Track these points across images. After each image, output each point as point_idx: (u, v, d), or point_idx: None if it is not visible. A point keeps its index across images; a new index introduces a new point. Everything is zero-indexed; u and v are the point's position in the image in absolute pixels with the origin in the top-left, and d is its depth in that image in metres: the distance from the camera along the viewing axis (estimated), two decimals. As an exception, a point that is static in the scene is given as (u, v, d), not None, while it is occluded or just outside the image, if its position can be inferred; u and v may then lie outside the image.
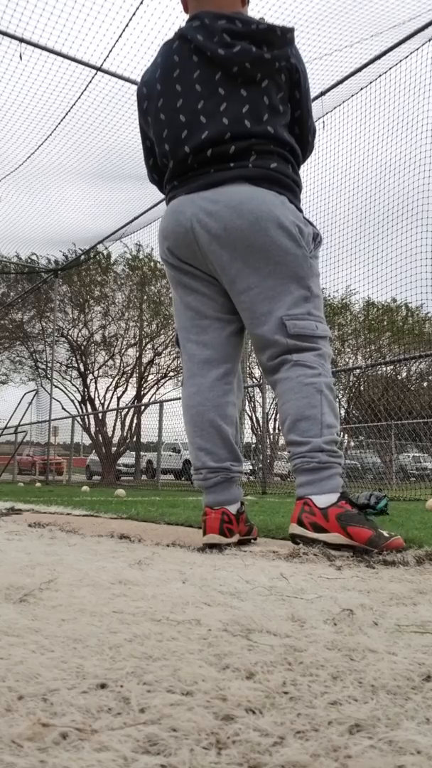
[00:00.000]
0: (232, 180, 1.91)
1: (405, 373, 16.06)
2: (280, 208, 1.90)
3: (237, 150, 1.93)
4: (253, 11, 6.98)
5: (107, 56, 7.16)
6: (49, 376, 15.82)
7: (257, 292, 1.91)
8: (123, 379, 17.68)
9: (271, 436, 14.50)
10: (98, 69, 7.36)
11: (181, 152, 1.99)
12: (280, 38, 1.92)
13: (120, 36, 6.80)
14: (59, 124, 8.41)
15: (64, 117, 8.28)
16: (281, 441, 16.03)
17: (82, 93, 7.79)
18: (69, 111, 8.15)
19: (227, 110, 1.93)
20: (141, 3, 6.41)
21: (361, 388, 14.61)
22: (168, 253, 2.06)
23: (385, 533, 1.68)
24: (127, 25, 6.67)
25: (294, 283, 1.91)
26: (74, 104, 8.01)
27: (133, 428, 16.66)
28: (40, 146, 8.88)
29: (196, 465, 2.02)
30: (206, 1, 2.04)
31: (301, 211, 2.00)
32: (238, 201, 1.89)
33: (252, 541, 2.05)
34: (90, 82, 7.60)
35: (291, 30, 1.97)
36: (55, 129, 8.52)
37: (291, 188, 1.96)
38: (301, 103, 2.02)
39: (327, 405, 1.86)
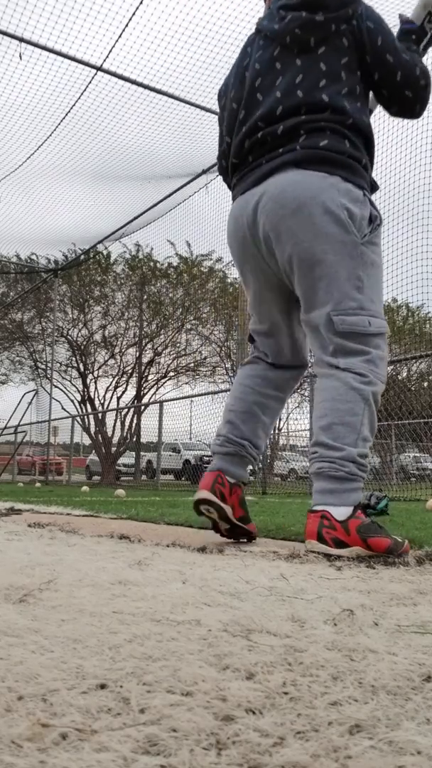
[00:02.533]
0: (280, 168, 1.84)
1: (405, 373, 16.05)
2: (328, 191, 1.77)
3: (285, 130, 1.84)
4: (253, 12, 6.98)
5: (107, 56, 7.16)
6: (49, 376, 15.82)
7: (305, 285, 1.84)
8: (123, 379, 17.68)
9: (272, 436, 14.50)
10: (98, 69, 7.36)
11: (240, 136, 1.96)
12: (334, 0, 1.82)
13: (120, 36, 6.80)
14: (59, 124, 8.41)
15: (64, 117, 8.28)
16: (281, 441, 16.03)
17: (82, 93, 7.79)
18: (69, 111, 8.15)
19: (281, 83, 1.86)
20: (141, 2, 6.41)
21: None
22: (237, 259, 2.07)
23: (399, 538, 1.65)
24: (126, 25, 6.67)
25: (343, 273, 1.78)
26: (74, 104, 8.01)
27: (133, 428, 16.66)
28: (40, 146, 8.88)
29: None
30: None
31: (365, 186, 1.86)
32: (281, 189, 1.81)
33: (251, 540, 2.04)
34: (90, 82, 7.59)
35: None
36: (55, 129, 8.51)
37: (346, 165, 1.81)
38: (378, 65, 1.84)
39: (368, 416, 1.75)
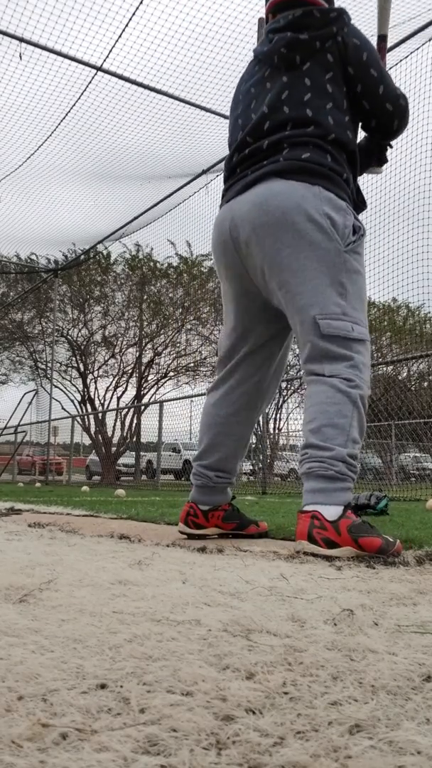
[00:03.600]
0: (264, 177, 1.90)
1: (405, 373, 16.05)
2: (311, 199, 1.82)
3: (270, 144, 1.91)
4: (253, 12, 6.98)
5: (107, 56, 7.15)
6: (49, 376, 15.82)
7: (288, 290, 1.87)
8: (123, 379, 17.68)
9: (271, 436, 14.49)
10: (98, 69, 7.35)
11: (231, 151, 2.06)
12: (318, 19, 1.90)
13: (120, 36, 6.79)
14: (59, 124, 8.40)
15: (64, 117, 8.28)
16: (281, 441, 16.02)
17: (82, 93, 7.79)
18: (69, 111, 8.15)
19: (269, 99, 1.94)
20: (141, 2, 6.41)
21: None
22: (218, 266, 2.12)
23: (390, 538, 1.66)
24: (126, 25, 6.66)
25: (326, 279, 1.82)
26: (74, 104, 8.00)
27: (133, 428, 16.65)
28: (40, 146, 8.87)
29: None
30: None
31: (346, 198, 1.90)
32: (265, 198, 1.87)
33: (264, 536, 2.20)
34: (90, 82, 7.59)
35: (334, 10, 1.92)
36: (55, 129, 8.51)
37: (327, 176, 1.86)
38: (362, 77, 1.90)
39: (357, 419, 1.77)
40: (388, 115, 1.95)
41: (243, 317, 2.11)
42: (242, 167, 1.99)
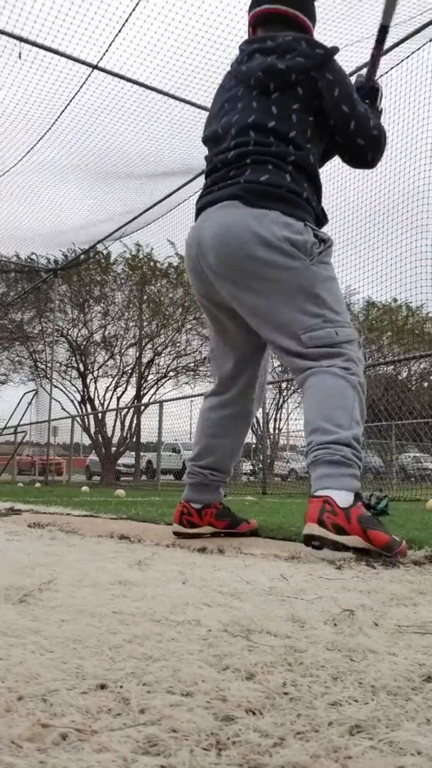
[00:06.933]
0: (225, 199, 1.94)
1: (405, 373, 16.04)
2: (268, 226, 1.86)
3: (234, 156, 1.96)
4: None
5: (104, 54, 7.15)
6: (48, 376, 15.81)
7: (265, 317, 1.92)
8: (123, 379, 17.67)
9: (271, 436, 14.49)
10: (95, 67, 7.34)
11: (206, 167, 2.10)
12: (302, 51, 1.95)
13: (117, 35, 6.79)
14: (55, 121, 8.38)
15: (59, 116, 8.26)
16: (281, 441, 16.03)
17: (77, 92, 7.77)
18: (65, 108, 8.13)
19: (237, 119, 2.00)
20: (138, 3, 6.41)
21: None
22: (192, 283, 2.15)
23: (397, 538, 1.65)
24: (124, 24, 6.66)
25: (300, 295, 1.86)
26: (71, 100, 7.98)
27: (133, 428, 16.65)
28: (38, 142, 8.84)
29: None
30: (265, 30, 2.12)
31: (306, 218, 1.92)
32: (225, 228, 1.91)
33: (254, 534, 2.22)
34: (86, 80, 7.58)
35: (321, 47, 1.97)
36: (50, 127, 8.48)
37: (285, 199, 1.89)
38: (333, 113, 1.96)
39: (358, 402, 1.80)
40: (359, 149, 2.01)
41: (222, 328, 2.16)
42: (210, 180, 2.04)
